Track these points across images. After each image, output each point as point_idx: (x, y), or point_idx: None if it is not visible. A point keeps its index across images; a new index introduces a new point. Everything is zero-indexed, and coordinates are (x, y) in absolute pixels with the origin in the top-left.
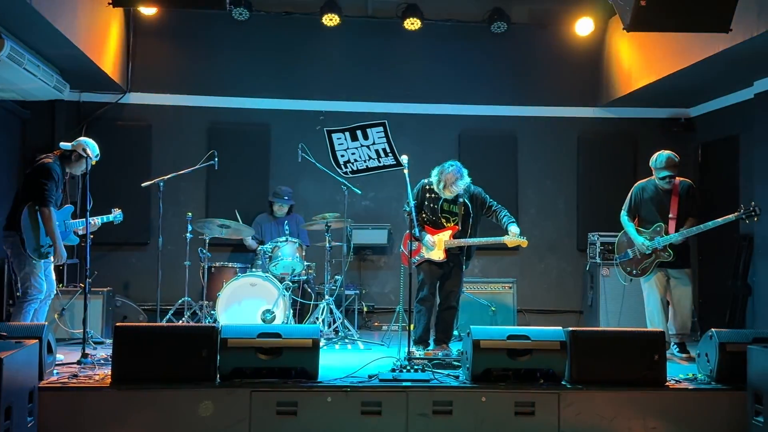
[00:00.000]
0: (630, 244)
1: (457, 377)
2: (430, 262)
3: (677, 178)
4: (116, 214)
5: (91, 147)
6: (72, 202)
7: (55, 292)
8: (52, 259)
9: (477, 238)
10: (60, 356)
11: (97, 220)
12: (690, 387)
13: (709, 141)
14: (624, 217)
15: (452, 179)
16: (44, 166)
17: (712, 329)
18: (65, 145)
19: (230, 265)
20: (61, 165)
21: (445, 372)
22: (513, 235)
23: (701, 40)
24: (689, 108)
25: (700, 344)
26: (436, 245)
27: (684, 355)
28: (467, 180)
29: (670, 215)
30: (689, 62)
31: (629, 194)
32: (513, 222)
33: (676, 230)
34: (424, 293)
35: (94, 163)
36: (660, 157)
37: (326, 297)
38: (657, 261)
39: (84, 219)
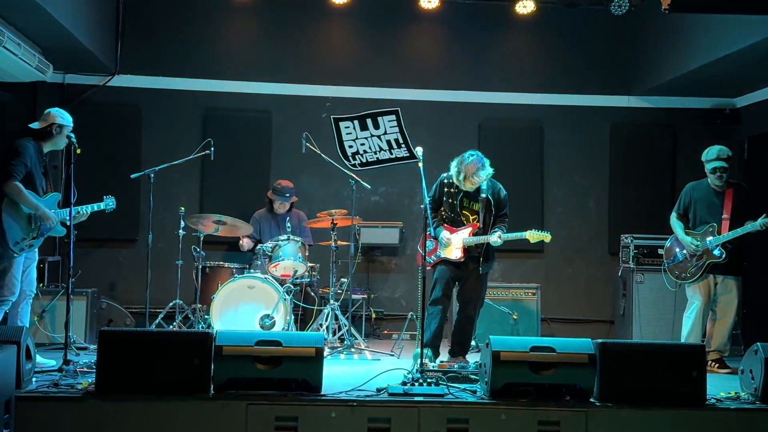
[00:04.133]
0: (680, 247)
1: (474, 392)
2: (446, 261)
3: (731, 180)
4: (107, 201)
5: (63, 115)
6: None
7: (36, 292)
8: (35, 254)
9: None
10: (51, 361)
11: (83, 210)
12: (732, 407)
13: (757, 134)
14: (673, 217)
15: (473, 169)
16: (12, 144)
17: (758, 343)
18: (35, 124)
19: (226, 265)
20: (38, 144)
21: (461, 386)
22: (498, 238)
23: (749, 23)
24: (735, 98)
25: (744, 359)
26: (453, 243)
27: (725, 370)
28: (489, 170)
29: (724, 215)
30: (735, 47)
31: (680, 195)
32: (499, 230)
33: (730, 230)
34: (437, 294)
35: (78, 150)
36: (711, 148)
37: (331, 302)
38: (708, 263)
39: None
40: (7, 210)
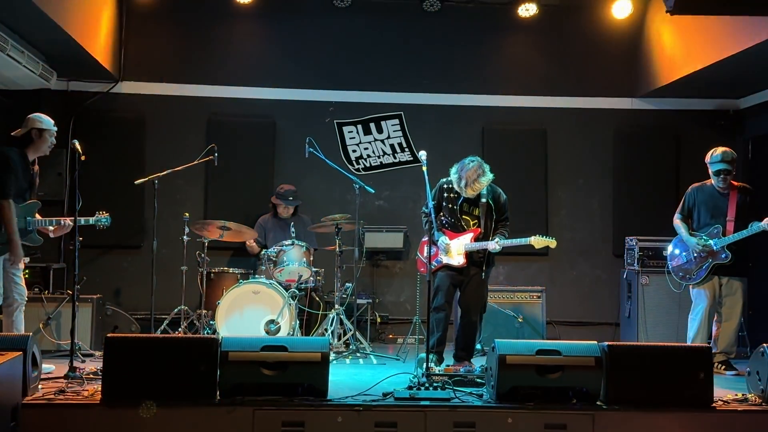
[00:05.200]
0: (684, 249)
1: (480, 396)
2: (448, 267)
3: (735, 182)
4: (100, 218)
5: (43, 119)
6: (44, 199)
7: (26, 299)
8: (9, 257)
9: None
10: (51, 366)
11: (68, 221)
12: (739, 408)
13: (760, 135)
14: (677, 219)
15: (474, 176)
16: (0, 154)
17: (765, 345)
18: (18, 132)
19: (231, 270)
20: (23, 152)
21: (468, 390)
22: (496, 245)
23: (752, 23)
24: (738, 99)
25: (750, 361)
26: (454, 248)
27: (731, 372)
28: (490, 176)
29: (728, 217)
30: (739, 48)
31: (684, 196)
32: (499, 237)
33: (735, 232)
34: (439, 301)
35: (82, 157)
36: (715, 150)
37: (336, 306)
38: (714, 264)
39: (53, 219)
40: None
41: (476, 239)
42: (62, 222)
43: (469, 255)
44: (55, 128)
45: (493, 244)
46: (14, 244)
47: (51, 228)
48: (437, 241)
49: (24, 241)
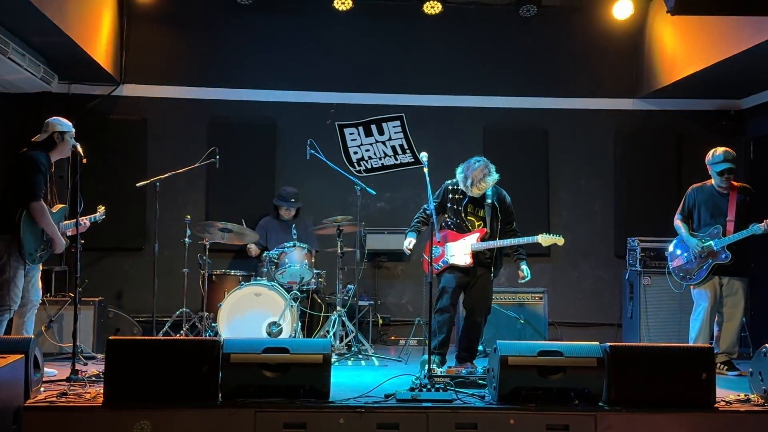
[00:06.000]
0: (684, 249)
1: (482, 397)
2: (453, 267)
3: (735, 182)
4: (103, 213)
5: (61, 122)
6: (61, 203)
7: (41, 301)
8: (54, 249)
9: (507, 239)
10: (53, 370)
11: (86, 221)
12: (742, 409)
13: (762, 135)
14: (677, 220)
15: (480, 175)
16: (28, 157)
17: (767, 345)
18: (40, 137)
19: (233, 272)
20: (48, 156)
21: (470, 391)
22: (522, 277)
23: (754, 23)
24: (740, 99)
25: (753, 361)
26: (460, 249)
27: (734, 373)
28: (496, 176)
29: (728, 217)
30: (740, 48)
31: (684, 197)
32: (524, 260)
33: (735, 232)
34: (444, 303)
35: (84, 160)
36: (716, 151)
37: (338, 308)
38: (714, 264)
39: (73, 221)
40: (26, 221)
41: (482, 239)
42: (81, 222)
43: (476, 255)
44: (73, 129)
45: (523, 280)
46: (57, 238)
47: (69, 230)
48: (406, 237)
49: None
